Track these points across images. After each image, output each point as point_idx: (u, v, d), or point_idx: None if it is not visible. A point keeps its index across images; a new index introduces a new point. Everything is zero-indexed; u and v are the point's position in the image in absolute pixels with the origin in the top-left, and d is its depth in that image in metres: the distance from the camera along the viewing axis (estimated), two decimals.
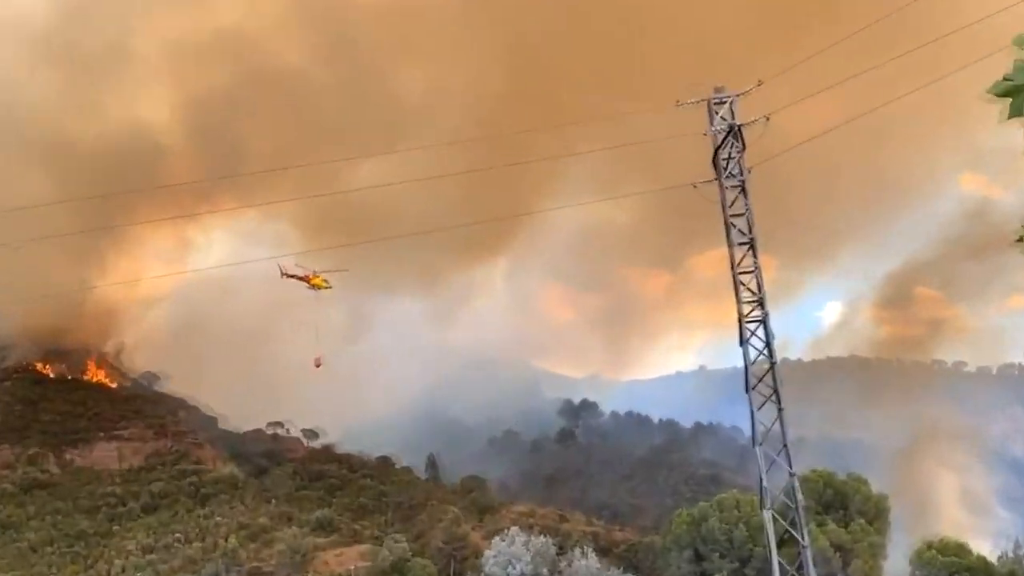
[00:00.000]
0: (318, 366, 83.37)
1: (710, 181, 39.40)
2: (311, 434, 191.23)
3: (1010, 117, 3.54)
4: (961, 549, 54.42)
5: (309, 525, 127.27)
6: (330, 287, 76.50)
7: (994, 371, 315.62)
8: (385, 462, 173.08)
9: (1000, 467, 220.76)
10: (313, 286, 75.30)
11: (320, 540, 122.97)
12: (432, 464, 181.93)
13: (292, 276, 74.65)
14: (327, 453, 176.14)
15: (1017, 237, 3.74)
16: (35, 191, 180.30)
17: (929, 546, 55.01)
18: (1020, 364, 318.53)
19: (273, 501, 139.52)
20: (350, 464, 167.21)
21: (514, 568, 58.60)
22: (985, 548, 70.87)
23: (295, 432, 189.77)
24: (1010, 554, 65.73)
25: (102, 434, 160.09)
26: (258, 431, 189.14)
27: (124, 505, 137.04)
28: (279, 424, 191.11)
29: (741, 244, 38.51)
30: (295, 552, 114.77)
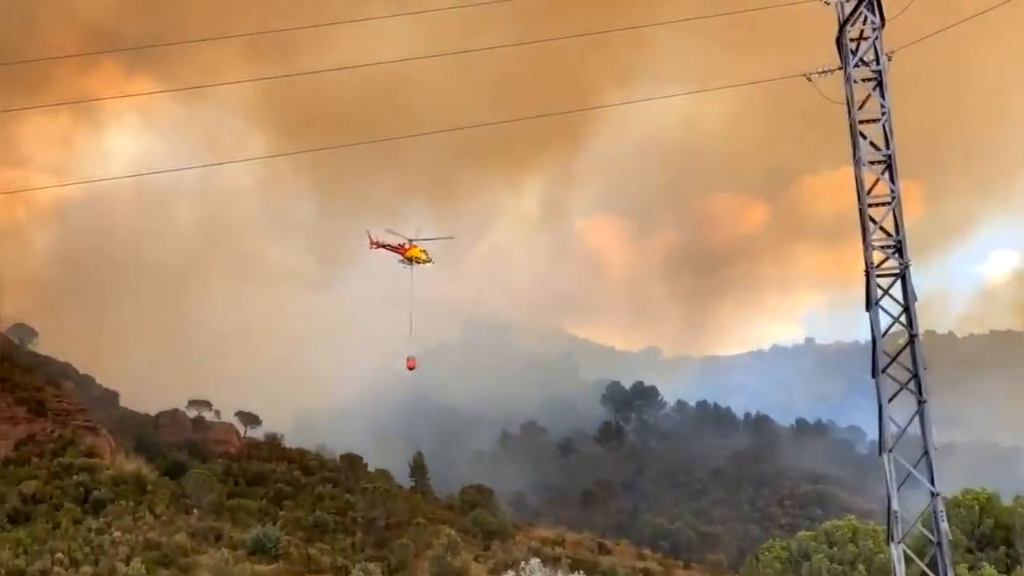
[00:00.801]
0: (411, 368, 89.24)
1: (831, 71, 39.14)
2: (250, 419, 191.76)
3: None
4: None
5: (245, 547, 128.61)
6: (432, 262, 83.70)
7: None
8: (353, 463, 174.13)
9: None
10: (409, 259, 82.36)
11: (261, 568, 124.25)
12: (419, 468, 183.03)
13: (384, 246, 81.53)
14: (272, 447, 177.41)
15: None
16: None
17: None
18: None
19: (195, 512, 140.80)
20: (304, 464, 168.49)
21: None
22: None
23: (227, 417, 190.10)
24: None
25: None
26: (175, 413, 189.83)
27: None
28: (205, 404, 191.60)
29: (874, 164, 38.22)
30: None
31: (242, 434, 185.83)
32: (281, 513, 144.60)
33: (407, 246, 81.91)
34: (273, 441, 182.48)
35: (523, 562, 68.34)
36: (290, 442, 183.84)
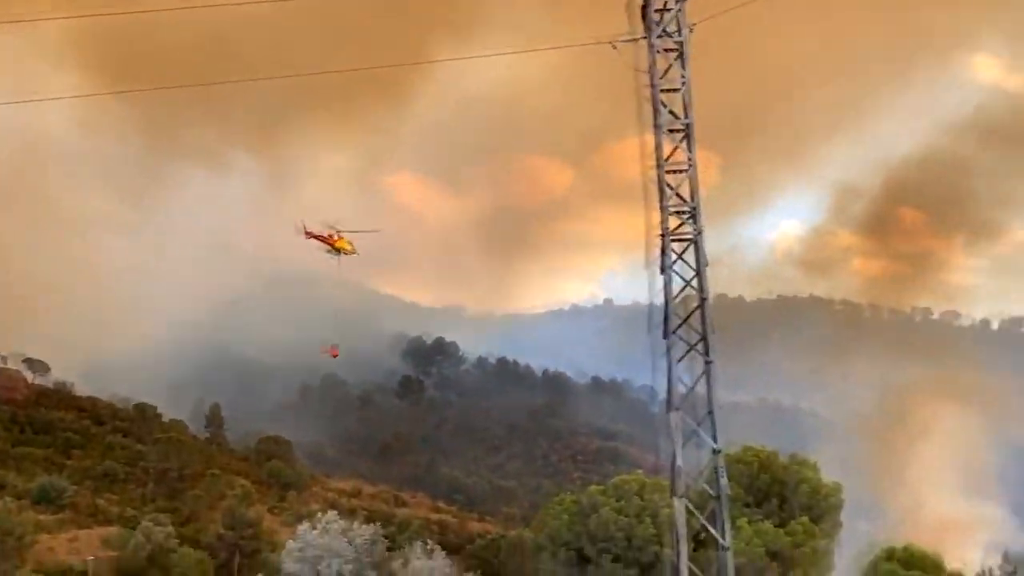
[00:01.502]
0: (334, 356, 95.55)
1: (636, 40, 39.54)
2: (38, 367, 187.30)
3: None
4: (930, 562, 57.51)
5: (29, 496, 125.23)
6: (357, 253, 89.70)
7: (995, 326, 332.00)
8: (146, 412, 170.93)
9: (997, 452, 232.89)
10: (337, 250, 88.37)
11: (45, 518, 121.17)
12: (214, 418, 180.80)
13: (315, 236, 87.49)
14: (62, 396, 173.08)
15: None
16: None
17: (889, 556, 57.82)
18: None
19: None
20: (96, 413, 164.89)
21: (328, 567, 59.23)
22: (970, 554, 75.25)
23: (13, 363, 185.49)
24: (995, 571, 69.75)
25: None
26: None
27: None
28: None
29: (673, 132, 38.95)
30: (6, 534, 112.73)
31: (29, 380, 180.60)
32: (69, 462, 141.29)
33: (335, 237, 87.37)
34: (63, 389, 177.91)
35: (319, 514, 68.15)
36: (81, 391, 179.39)
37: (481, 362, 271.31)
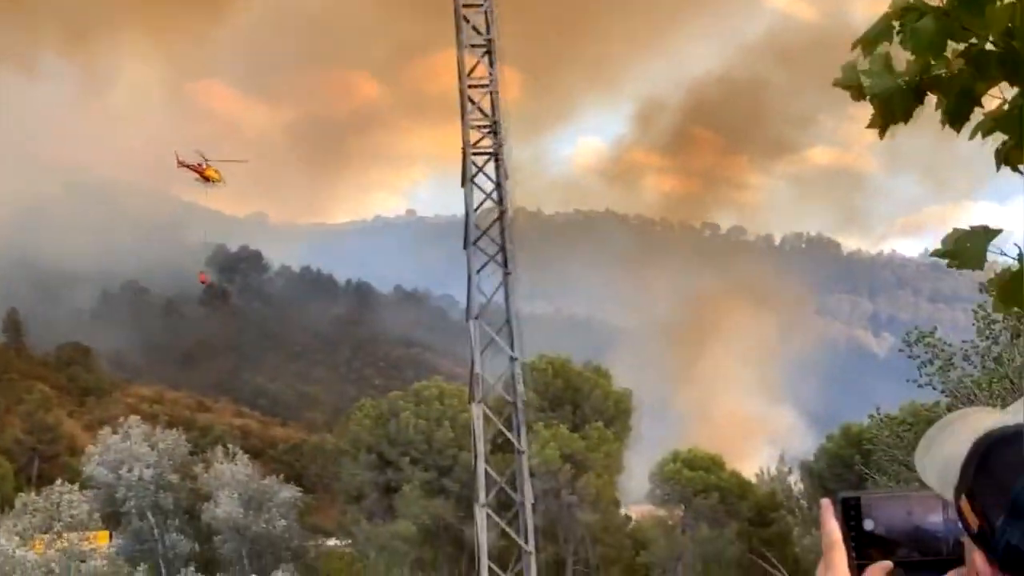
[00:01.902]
0: (204, 283, 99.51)
1: None
2: None
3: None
4: (714, 463, 59.79)
5: None
6: (223, 182, 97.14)
7: (777, 241, 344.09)
8: None
9: (784, 358, 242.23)
10: (206, 178, 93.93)
11: None
12: (13, 324, 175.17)
13: (187, 165, 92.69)
14: None
15: (838, 80, 4.42)
16: None
17: (675, 458, 59.88)
18: (808, 235, 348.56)
19: None
20: None
21: (129, 472, 58.26)
22: (754, 459, 78.21)
23: None
24: (773, 471, 72.40)
25: None
26: None
27: None
28: None
29: (475, 47, 38.95)
30: None
31: None
32: None
33: (205, 167, 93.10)
34: None
35: (121, 419, 66.94)
36: None
37: (286, 271, 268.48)
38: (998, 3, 4.15)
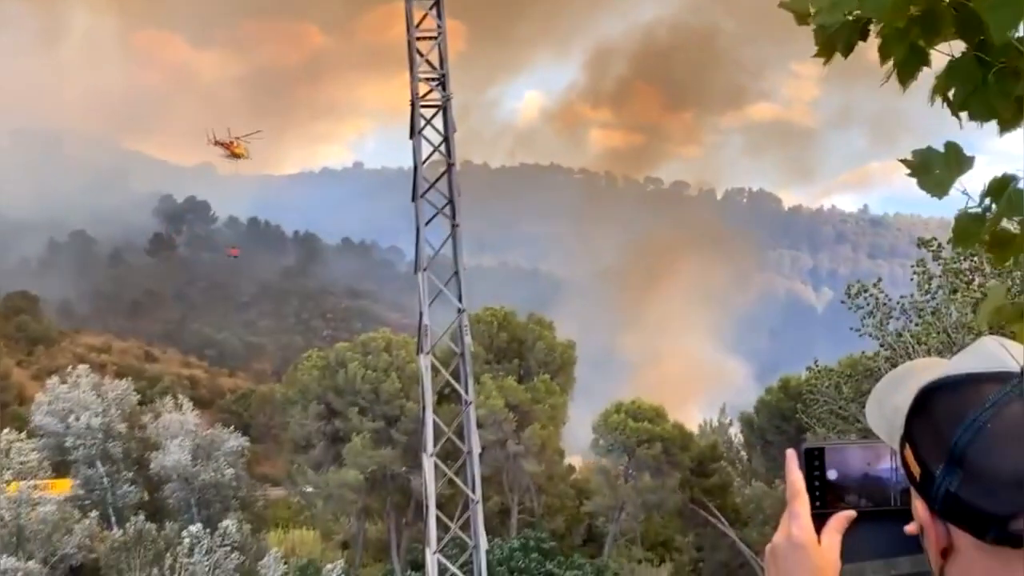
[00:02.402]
0: (235, 255, 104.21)
1: None
2: None
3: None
4: (657, 414, 60.08)
5: None
6: (249, 157, 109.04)
7: (719, 196, 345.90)
8: None
9: (721, 314, 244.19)
10: (236, 155, 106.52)
11: None
12: None
13: (219, 143, 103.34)
14: None
15: (784, 3, 4.28)
16: None
17: (618, 409, 60.14)
18: (750, 190, 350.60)
19: None
20: None
21: (77, 420, 57.81)
22: (696, 410, 78.85)
23: None
24: (714, 422, 72.98)
25: None
26: None
27: None
28: None
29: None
30: None
31: None
32: None
33: (236, 144, 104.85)
34: None
35: (69, 368, 66.30)
36: None
37: (232, 221, 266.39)
38: None
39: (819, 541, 2.01)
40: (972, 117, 4.06)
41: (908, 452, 1.91)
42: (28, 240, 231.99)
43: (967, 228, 3.80)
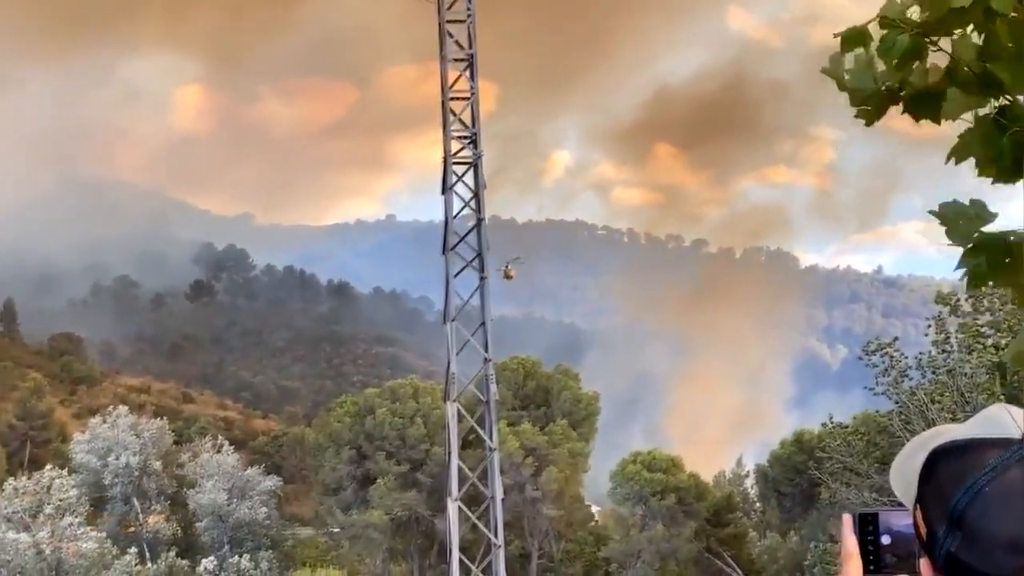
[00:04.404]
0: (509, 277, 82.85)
1: None
2: None
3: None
4: (673, 464, 59.58)
5: None
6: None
7: (738, 254, 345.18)
8: None
9: (738, 368, 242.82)
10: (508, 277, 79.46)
11: None
12: (8, 313, 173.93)
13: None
14: None
15: (825, 69, 4.16)
16: None
17: (635, 459, 59.69)
18: (768, 249, 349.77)
19: None
20: None
21: (116, 459, 57.82)
22: (713, 462, 78.04)
23: None
24: (728, 473, 72.35)
25: None
26: None
27: None
28: None
29: (457, 61, 38.77)
30: None
31: None
32: None
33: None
34: None
35: (109, 408, 66.36)
36: None
37: (270, 271, 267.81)
38: (968, 29, 3.93)
39: None
40: (991, 179, 3.97)
41: (918, 513, 1.94)
42: (74, 283, 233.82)
43: (980, 269, 3.72)
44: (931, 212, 3.95)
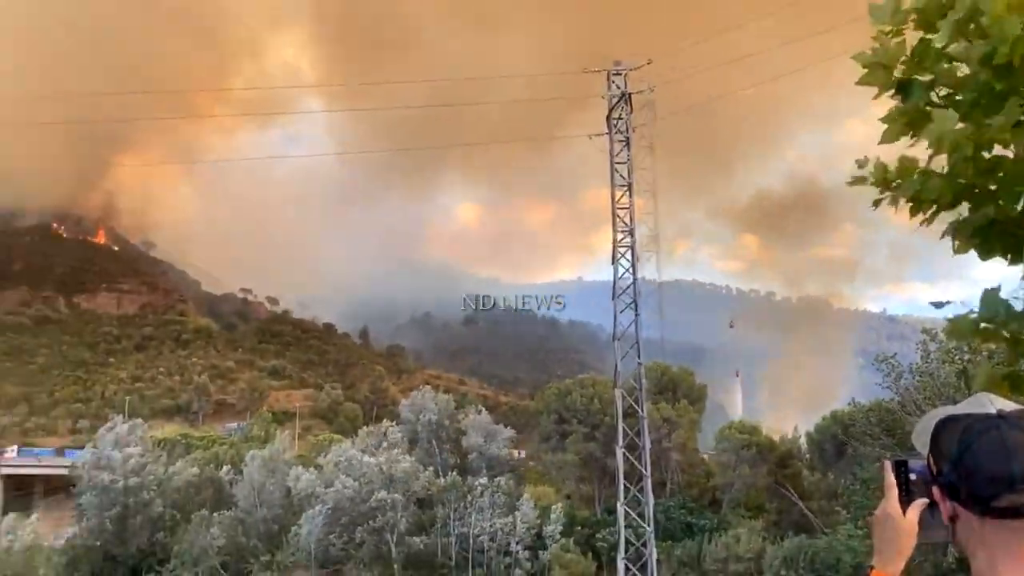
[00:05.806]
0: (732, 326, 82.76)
1: (602, 134, 38.83)
2: (272, 301, 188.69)
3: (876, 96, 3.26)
4: (755, 430, 56.57)
5: (266, 371, 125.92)
6: None
7: (794, 300, 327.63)
8: (329, 328, 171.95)
9: (800, 380, 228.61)
10: None
11: (274, 383, 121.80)
12: (365, 333, 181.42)
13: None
14: (284, 317, 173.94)
15: (849, 179, 3.36)
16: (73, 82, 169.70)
17: (730, 426, 57.03)
18: (812, 296, 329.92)
19: (239, 349, 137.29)
20: (301, 327, 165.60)
21: (423, 416, 58.95)
22: (781, 428, 73.42)
23: (260, 298, 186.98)
24: (789, 435, 68.04)
25: (104, 286, 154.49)
26: (230, 294, 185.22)
27: (119, 343, 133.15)
28: (248, 291, 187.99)
29: (621, 186, 38.19)
30: (253, 390, 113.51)
31: (267, 308, 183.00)
32: (287, 353, 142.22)
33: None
34: (285, 313, 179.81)
35: (419, 387, 67.66)
36: (295, 314, 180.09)
37: (508, 309, 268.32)
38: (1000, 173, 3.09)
39: (904, 515, 1.97)
40: (980, 256, 3.18)
41: (931, 459, 1.93)
42: (399, 315, 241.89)
43: (959, 327, 2.99)
44: (949, 320, 3.10)
